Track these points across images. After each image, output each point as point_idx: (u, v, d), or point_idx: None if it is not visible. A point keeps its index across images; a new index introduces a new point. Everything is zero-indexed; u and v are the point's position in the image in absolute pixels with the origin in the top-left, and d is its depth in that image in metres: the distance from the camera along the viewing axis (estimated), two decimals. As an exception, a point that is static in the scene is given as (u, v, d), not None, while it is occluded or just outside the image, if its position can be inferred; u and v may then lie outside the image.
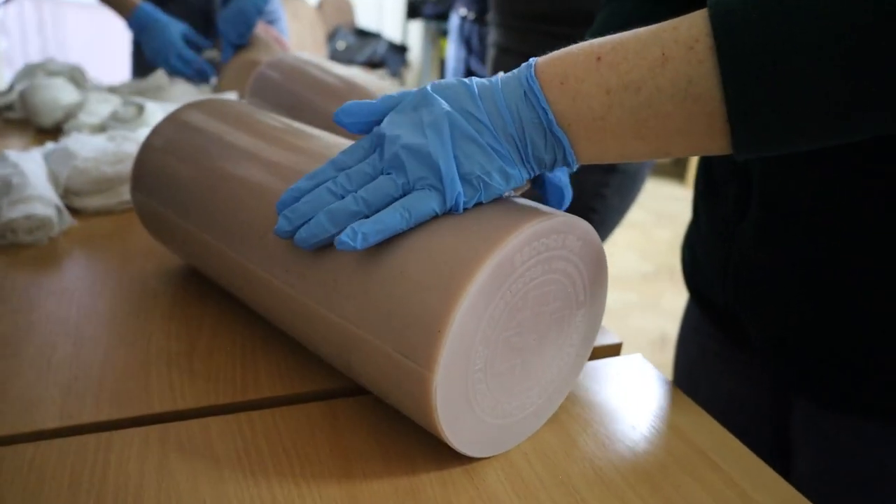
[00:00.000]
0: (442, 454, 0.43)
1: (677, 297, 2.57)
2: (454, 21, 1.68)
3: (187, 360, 0.52)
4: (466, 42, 1.65)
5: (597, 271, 0.45)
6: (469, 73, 1.65)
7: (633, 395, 0.52)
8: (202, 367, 0.51)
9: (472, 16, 1.62)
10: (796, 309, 0.55)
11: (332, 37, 3.76)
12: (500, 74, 0.42)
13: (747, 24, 0.34)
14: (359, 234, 0.40)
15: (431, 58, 3.97)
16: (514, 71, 0.42)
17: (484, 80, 0.42)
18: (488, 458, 0.44)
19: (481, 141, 0.40)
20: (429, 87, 0.42)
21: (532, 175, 0.42)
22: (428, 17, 3.74)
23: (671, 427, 0.48)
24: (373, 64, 3.78)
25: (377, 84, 0.87)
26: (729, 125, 0.36)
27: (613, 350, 0.58)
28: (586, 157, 0.41)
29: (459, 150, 0.40)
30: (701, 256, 0.66)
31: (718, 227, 0.61)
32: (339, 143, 0.53)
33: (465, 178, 0.40)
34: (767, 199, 0.55)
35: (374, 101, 0.44)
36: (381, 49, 3.75)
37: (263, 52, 1.26)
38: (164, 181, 0.58)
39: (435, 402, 0.38)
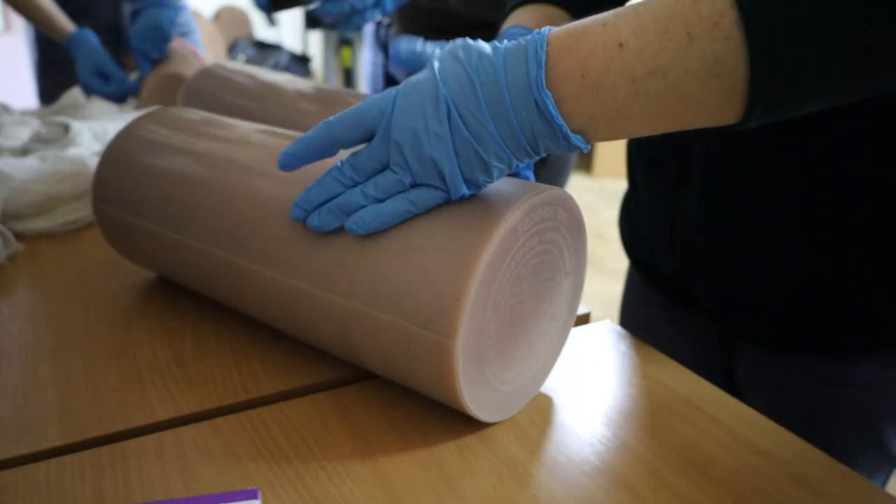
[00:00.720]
0: (453, 425, 0.45)
1: (595, 282, 2.68)
2: (369, 27, 1.70)
3: (179, 367, 0.52)
4: (383, 47, 1.66)
5: (579, 242, 0.48)
6: (388, 77, 1.66)
7: (611, 355, 0.55)
8: (196, 373, 0.51)
9: (387, 20, 1.64)
10: (740, 265, 0.60)
11: (231, 49, 3.68)
12: (501, 75, 0.38)
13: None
14: (367, 221, 0.42)
15: (335, 67, 3.95)
16: (523, 68, 0.38)
17: (484, 79, 0.38)
18: (497, 423, 0.46)
19: (486, 151, 0.39)
20: (437, 63, 0.40)
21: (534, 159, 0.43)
22: (328, 26, 3.73)
23: (651, 379, 0.52)
24: (275, 76, 3.72)
25: (313, 85, 0.88)
26: (749, 98, 0.35)
27: (583, 319, 0.62)
28: (598, 140, 0.41)
29: (463, 159, 0.40)
30: (642, 228, 0.71)
31: (661, 198, 0.66)
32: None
33: (468, 181, 0.41)
34: (710, 167, 0.60)
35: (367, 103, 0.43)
36: (283, 60, 3.71)
37: (182, 64, 1.23)
38: (135, 192, 0.57)
39: (457, 369, 0.40)
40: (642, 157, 0.69)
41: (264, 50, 3.75)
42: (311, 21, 3.66)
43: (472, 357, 0.42)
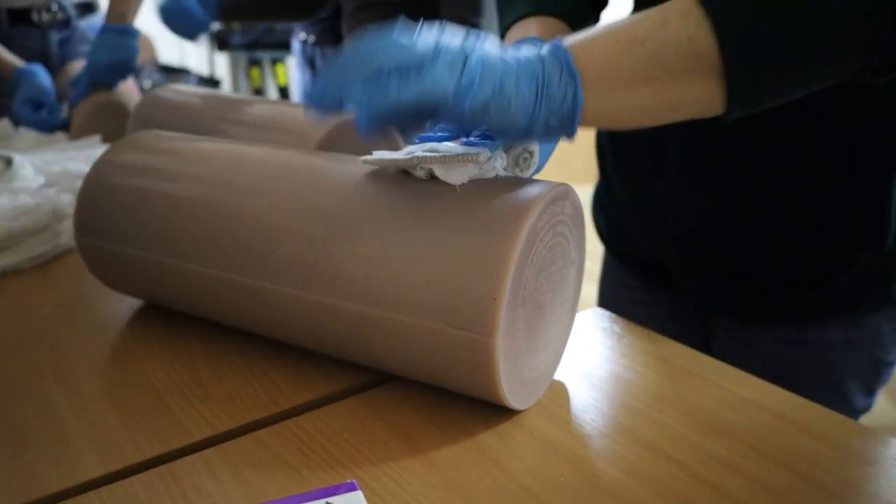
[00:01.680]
0: (486, 414, 0.48)
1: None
2: (296, 46, 1.70)
3: (200, 388, 0.52)
4: (310, 64, 1.67)
5: (580, 231, 0.52)
6: None
7: (607, 338, 0.59)
8: (219, 392, 0.51)
9: (312, 39, 1.65)
10: (713, 242, 0.66)
11: (137, 75, 3.56)
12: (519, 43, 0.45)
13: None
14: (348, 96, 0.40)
15: (246, 89, 3.89)
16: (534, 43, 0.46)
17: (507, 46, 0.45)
18: (525, 409, 0.49)
19: (509, 75, 0.41)
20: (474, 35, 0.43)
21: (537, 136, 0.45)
22: (237, 48, 3.67)
23: (651, 356, 0.56)
24: (183, 100, 3.62)
25: (259, 100, 0.89)
26: (726, 80, 0.42)
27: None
28: (595, 103, 0.43)
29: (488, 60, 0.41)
30: (617, 218, 0.76)
31: (636, 188, 0.71)
32: (289, 152, 0.55)
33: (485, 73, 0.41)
34: (683, 154, 0.65)
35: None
36: (192, 83, 3.61)
37: (113, 93, 1.20)
38: (126, 222, 0.56)
39: (498, 365, 0.43)
40: (614, 149, 0.74)
41: (171, 74, 3.65)
42: (221, 42, 3.58)
43: (508, 351, 0.44)
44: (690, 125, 0.63)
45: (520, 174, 0.51)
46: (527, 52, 0.44)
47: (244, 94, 4.04)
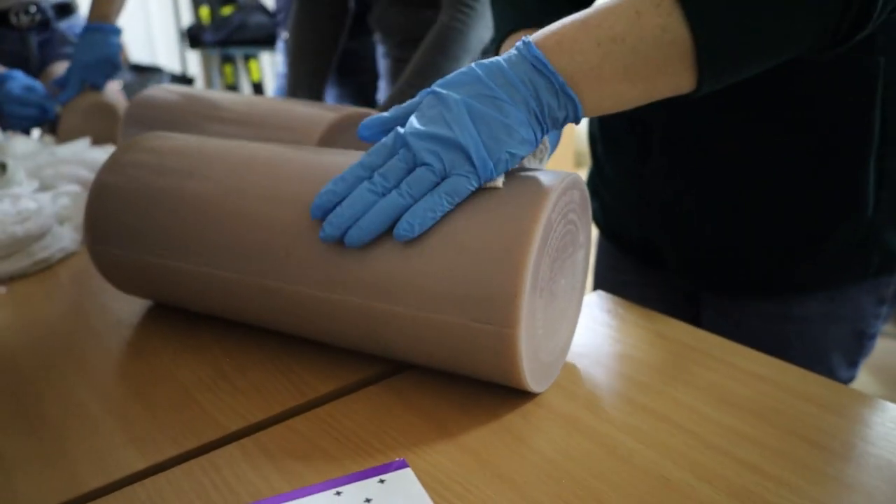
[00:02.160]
0: (508, 396, 0.50)
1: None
2: (280, 44, 1.70)
3: (226, 382, 0.53)
4: None
5: (587, 215, 0.54)
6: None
7: (612, 319, 0.62)
8: (246, 385, 0.53)
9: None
10: (702, 222, 0.69)
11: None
12: (498, 57, 0.48)
13: None
14: (415, 224, 0.45)
15: (220, 86, 3.86)
16: (512, 51, 0.48)
17: (485, 63, 0.48)
18: (545, 389, 0.51)
19: (503, 120, 0.46)
20: (437, 87, 0.48)
21: (545, 135, 0.49)
22: (209, 45, 3.63)
23: (656, 334, 0.59)
24: (156, 99, 3.57)
25: (256, 98, 0.90)
26: (698, 63, 0.46)
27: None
28: (590, 106, 0.48)
29: (484, 134, 0.46)
30: (610, 201, 0.79)
31: (626, 173, 0.74)
32: (299, 151, 0.57)
33: (494, 159, 0.46)
34: (670, 138, 0.68)
35: (387, 113, 0.50)
36: (165, 82, 3.57)
37: (102, 94, 1.20)
38: (140, 227, 0.57)
39: (521, 355, 0.45)
40: (604, 137, 0.76)
41: (143, 73, 3.60)
42: (193, 40, 3.54)
43: (529, 340, 0.46)
44: (674, 112, 0.65)
45: (538, 165, 0.53)
46: (522, 92, 0.46)
47: (219, 90, 4.01)
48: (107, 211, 0.59)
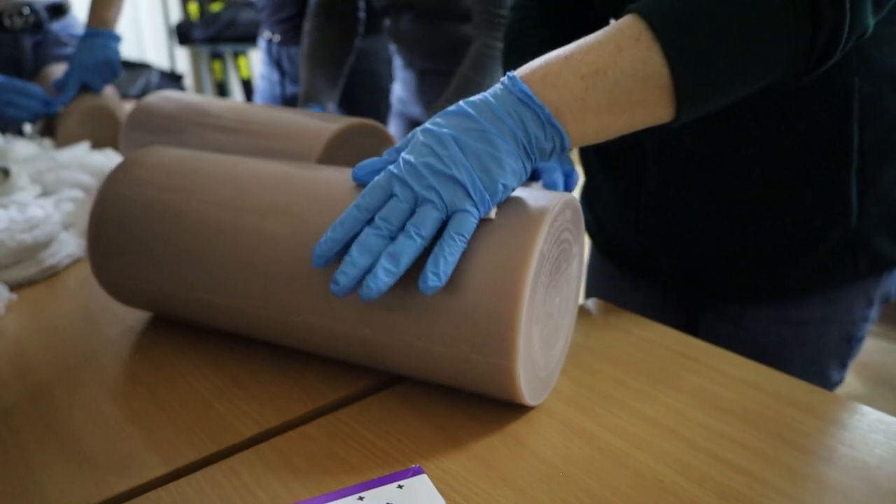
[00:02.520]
0: (509, 405, 0.53)
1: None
2: (262, 44, 1.71)
3: (241, 390, 0.56)
4: (277, 64, 1.68)
5: (580, 227, 0.56)
6: (285, 95, 1.67)
7: (604, 326, 0.64)
8: (261, 392, 0.55)
9: (277, 38, 1.65)
10: (698, 234, 0.72)
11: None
12: (484, 94, 0.50)
13: (677, 19, 0.48)
14: (440, 273, 0.45)
15: (209, 82, 3.85)
16: (497, 86, 0.50)
17: (473, 99, 0.49)
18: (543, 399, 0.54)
19: (493, 153, 0.47)
20: (428, 125, 0.49)
21: (534, 166, 0.52)
22: (198, 41, 3.63)
23: (647, 341, 0.62)
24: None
25: (258, 107, 0.91)
26: (676, 95, 0.49)
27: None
28: (575, 136, 0.50)
29: (476, 168, 0.47)
30: (606, 217, 0.82)
31: (622, 194, 0.77)
32: (307, 172, 0.57)
33: (490, 192, 0.47)
34: (664, 155, 0.70)
35: (381, 157, 0.52)
36: (154, 79, 3.56)
37: (102, 98, 1.21)
38: (143, 249, 0.57)
39: (520, 382, 0.48)
40: (598, 155, 0.79)
41: (131, 70, 3.59)
42: (182, 36, 3.53)
43: (527, 365, 0.49)
44: (665, 133, 0.68)
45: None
46: (510, 124, 0.48)
47: (209, 89, 4.01)
48: (110, 228, 0.59)
